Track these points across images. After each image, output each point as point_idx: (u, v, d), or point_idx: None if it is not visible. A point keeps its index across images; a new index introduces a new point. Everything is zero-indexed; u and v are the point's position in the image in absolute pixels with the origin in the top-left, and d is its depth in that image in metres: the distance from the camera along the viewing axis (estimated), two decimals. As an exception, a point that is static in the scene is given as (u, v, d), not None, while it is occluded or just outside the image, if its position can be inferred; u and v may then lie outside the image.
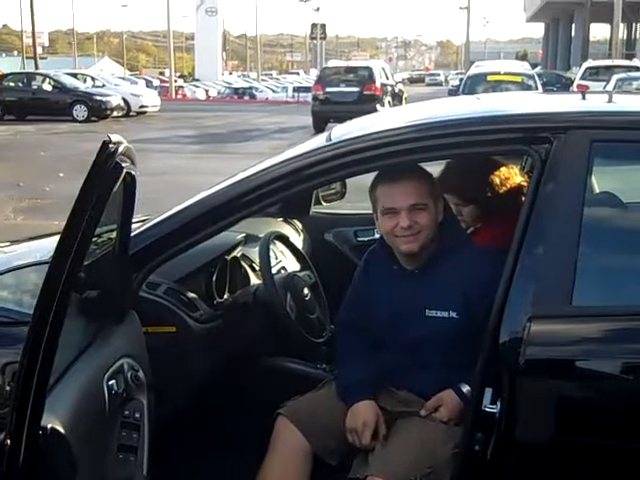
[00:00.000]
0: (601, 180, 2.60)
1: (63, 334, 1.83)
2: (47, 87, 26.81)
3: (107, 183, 1.88)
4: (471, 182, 2.92)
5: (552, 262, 2.17)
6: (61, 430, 1.87)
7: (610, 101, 2.65)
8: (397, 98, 24.40)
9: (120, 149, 1.92)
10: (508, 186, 2.97)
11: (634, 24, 44.50)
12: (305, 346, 2.99)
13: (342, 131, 2.67)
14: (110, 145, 1.87)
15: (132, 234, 2.42)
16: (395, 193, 2.47)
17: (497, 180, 2.95)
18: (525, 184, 2.93)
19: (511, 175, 2.99)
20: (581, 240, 2.16)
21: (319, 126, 20.64)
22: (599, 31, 49.38)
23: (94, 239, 2.15)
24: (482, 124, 2.40)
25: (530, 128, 2.32)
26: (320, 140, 2.62)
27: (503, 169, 2.98)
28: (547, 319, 2.14)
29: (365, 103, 20.30)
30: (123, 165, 1.96)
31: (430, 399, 2.47)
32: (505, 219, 2.69)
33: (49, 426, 1.83)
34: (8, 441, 1.76)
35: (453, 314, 2.46)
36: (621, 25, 34.28)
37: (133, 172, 2.12)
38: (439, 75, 79.60)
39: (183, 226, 2.46)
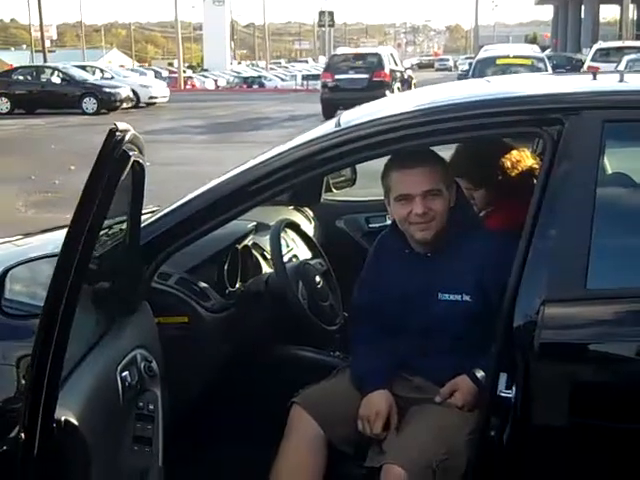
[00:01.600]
0: (614, 160, 2.57)
1: (75, 326, 1.82)
2: (56, 80, 26.84)
3: (114, 172, 1.86)
4: (482, 166, 2.89)
5: (565, 245, 2.15)
6: (75, 423, 1.87)
7: (621, 81, 2.62)
8: (406, 84, 24.32)
9: (127, 137, 1.90)
10: (520, 169, 2.94)
11: (644, 4, 44.09)
12: (318, 334, 2.98)
13: (351, 116, 2.65)
14: (117, 133, 1.85)
15: (143, 225, 2.41)
16: (409, 179, 2.45)
17: (508, 163, 2.92)
18: (537, 166, 2.90)
19: (522, 158, 2.96)
20: (594, 222, 2.13)
21: (329, 113, 20.58)
22: (609, 12, 49.07)
23: (105, 230, 2.14)
24: (492, 106, 2.38)
25: (541, 109, 2.29)
26: (329, 126, 2.60)
27: (514, 152, 2.95)
28: (561, 302, 2.12)
29: (374, 89, 20.23)
30: (130, 154, 1.94)
31: (444, 385, 2.45)
32: (517, 202, 2.66)
33: (63, 419, 1.83)
34: (22, 435, 1.75)
35: (466, 297, 2.45)
36: (631, 6, 34.00)
37: (141, 161, 2.10)
38: (448, 60, 79.19)
39: (193, 215, 2.45)
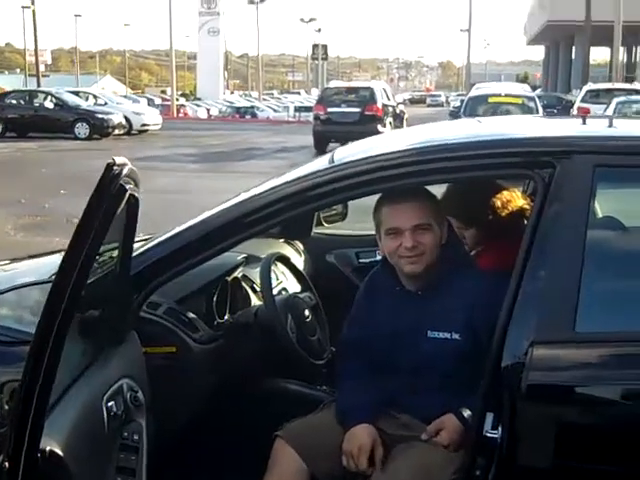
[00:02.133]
0: (604, 204, 2.60)
1: (64, 354, 1.82)
2: (49, 105, 26.91)
3: (111, 205, 1.88)
4: (472, 205, 2.92)
5: (555, 287, 2.16)
6: (59, 453, 1.86)
7: (612, 126, 2.65)
8: (398, 119, 24.48)
9: (124, 171, 1.92)
10: (510, 209, 2.96)
11: (634, 47, 44.73)
12: (306, 368, 2.98)
13: (344, 153, 2.68)
14: (114, 167, 1.87)
15: (134, 254, 2.42)
16: (399, 213, 2.48)
17: (498, 203, 2.95)
18: (527, 207, 2.92)
19: (513, 198, 2.99)
20: (584, 265, 2.15)
21: (320, 146, 20.71)
22: (599, 54, 49.66)
23: (97, 258, 2.15)
24: (484, 148, 2.40)
25: (533, 152, 2.32)
26: (323, 162, 2.62)
27: (504, 192, 2.98)
28: (549, 344, 2.13)
29: (366, 124, 20.38)
30: (127, 187, 1.96)
31: (431, 423, 2.45)
32: (508, 242, 2.68)
33: (47, 449, 1.82)
34: (6, 464, 1.74)
35: (455, 335, 2.45)
36: (621, 49, 34.42)
37: (136, 194, 2.12)
38: (440, 96, 79.89)
39: (185, 246, 2.46)
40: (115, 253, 2.27)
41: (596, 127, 2.58)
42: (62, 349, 1.76)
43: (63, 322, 1.75)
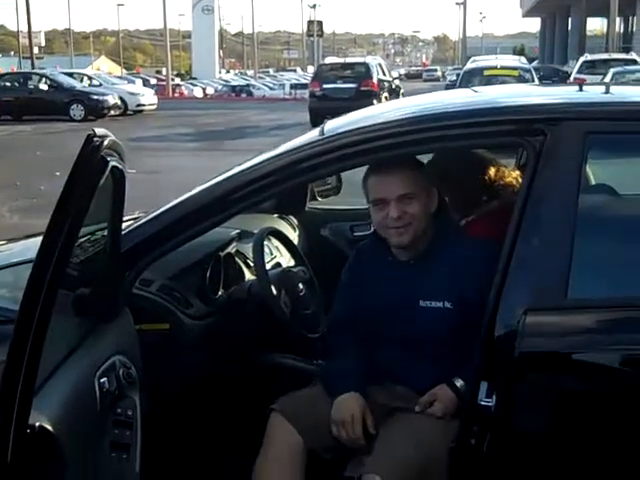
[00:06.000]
0: (597, 172, 2.58)
1: (54, 332, 1.81)
2: (43, 86, 26.75)
3: (92, 178, 1.85)
4: (458, 174, 2.88)
5: (547, 254, 2.16)
6: (50, 428, 1.85)
7: (606, 92, 2.62)
8: (394, 94, 24.38)
9: (105, 143, 1.89)
10: (499, 179, 2.95)
11: (630, 18, 44.45)
12: (300, 342, 2.98)
13: (335, 125, 2.66)
14: (94, 139, 1.84)
15: (125, 231, 2.40)
16: (384, 184, 2.46)
17: (486, 172, 2.94)
18: (516, 178, 2.92)
19: (500, 169, 2.98)
20: (576, 232, 2.14)
21: (316, 122, 20.47)
22: (596, 24, 49.31)
23: (87, 237, 2.13)
24: (474, 116, 2.38)
25: (523, 120, 2.30)
26: (313, 134, 2.61)
27: (491, 164, 2.96)
28: (542, 311, 2.13)
29: (362, 99, 20.23)
30: (108, 159, 1.93)
31: (425, 394, 2.44)
32: (497, 211, 2.67)
33: (37, 424, 1.81)
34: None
35: (448, 304, 2.44)
36: (617, 19, 34.23)
37: (121, 166, 2.09)
38: (436, 70, 79.53)
39: (176, 222, 2.45)
40: (105, 231, 2.26)
41: (588, 94, 2.55)
42: (47, 326, 1.75)
43: (47, 299, 1.73)
